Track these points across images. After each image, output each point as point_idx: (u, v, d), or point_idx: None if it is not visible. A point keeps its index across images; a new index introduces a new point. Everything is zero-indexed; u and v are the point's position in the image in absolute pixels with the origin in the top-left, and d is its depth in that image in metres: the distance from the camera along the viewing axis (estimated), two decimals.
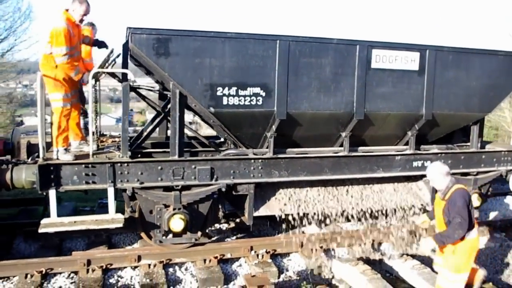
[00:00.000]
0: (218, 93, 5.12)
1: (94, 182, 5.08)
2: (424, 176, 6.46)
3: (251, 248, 5.80)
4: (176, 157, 5.27)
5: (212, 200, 5.55)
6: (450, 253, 4.35)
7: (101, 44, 5.40)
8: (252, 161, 5.57)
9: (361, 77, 5.62)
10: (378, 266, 5.73)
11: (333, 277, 5.51)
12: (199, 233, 5.67)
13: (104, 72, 5.47)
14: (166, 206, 5.38)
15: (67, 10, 4.79)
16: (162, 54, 4.87)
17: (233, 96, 5.18)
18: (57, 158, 5.03)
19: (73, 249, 5.89)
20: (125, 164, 5.14)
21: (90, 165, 5.03)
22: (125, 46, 5.15)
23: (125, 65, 5.42)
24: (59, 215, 4.97)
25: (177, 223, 5.26)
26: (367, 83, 5.68)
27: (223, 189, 5.45)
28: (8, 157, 5.66)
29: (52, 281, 5.09)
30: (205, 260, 5.52)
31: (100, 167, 5.08)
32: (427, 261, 5.59)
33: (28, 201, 7.32)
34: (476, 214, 6.78)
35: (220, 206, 5.79)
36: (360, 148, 6.17)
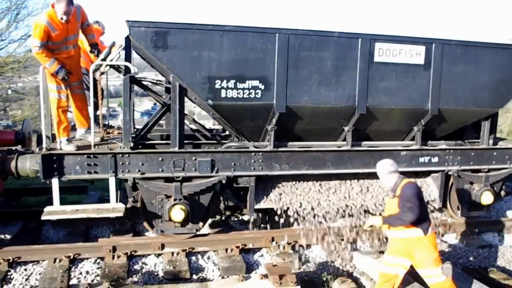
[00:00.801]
0: (217, 86, 5.17)
1: (96, 172, 5.23)
2: (432, 172, 6.38)
3: (273, 239, 5.87)
4: (176, 149, 5.37)
5: (213, 192, 5.61)
6: (425, 252, 4.18)
7: (92, 48, 5.52)
8: (253, 154, 5.60)
9: (363, 71, 5.55)
10: None
11: (354, 269, 5.49)
12: (201, 224, 5.75)
13: (108, 65, 5.59)
14: (168, 197, 5.48)
15: (53, 6, 4.94)
16: (160, 47, 4.95)
17: (232, 89, 5.21)
18: (60, 149, 5.20)
19: (99, 236, 6.18)
20: (126, 155, 5.27)
21: (92, 156, 5.18)
22: (128, 39, 5.29)
23: (128, 58, 5.57)
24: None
25: (178, 214, 5.36)
26: (370, 77, 5.60)
27: (224, 181, 5.51)
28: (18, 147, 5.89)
29: (80, 265, 5.31)
30: (226, 250, 5.65)
31: (102, 157, 5.22)
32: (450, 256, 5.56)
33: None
34: (488, 211, 6.63)
35: (221, 198, 5.85)
36: (365, 142, 6.09)
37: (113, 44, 5.45)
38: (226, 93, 5.21)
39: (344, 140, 5.95)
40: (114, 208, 5.23)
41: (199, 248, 5.71)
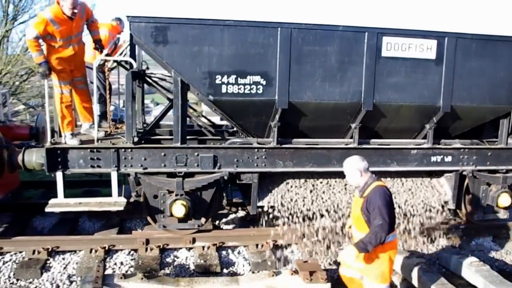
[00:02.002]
0: (217, 81, 5.13)
1: (99, 166, 5.31)
2: (445, 172, 6.13)
3: (304, 236, 5.80)
4: (178, 144, 5.37)
5: (215, 188, 5.59)
6: (374, 261, 3.85)
7: (96, 44, 5.60)
8: (256, 150, 5.54)
9: (370, 66, 5.37)
10: (434, 261, 5.55)
11: None
12: (203, 220, 5.74)
13: (114, 61, 5.67)
14: (170, 192, 5.50)
15: (58, 3, 5.02)
16: (160, 42, 4.96)
17: (232, 84, 5.16)
18: (65, 143, 5.31)
19: (133, 228, 6.36)
20: (129, 150, 5.32)
21: (95, 150, 5.27)
22: (131, 35, 5.33)
23: (132, 54, 5.62)
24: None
25: (179, 209, 5.37)
26: (377, 73, 5.41)
27: (226, 177, 5.48)
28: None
29: (114, 256, 5.46)
30: (257, 245, 5.66)
31: (105, 152, 5.29)
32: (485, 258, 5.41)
33: (92, 182, 7.87)
34: (505, 214, 6.31)
35: (224, 194, 5.82)
36: (373, 140, 5.90)
37: (118, 41, 5.50)
38: (227, 89, 5.17)
39: (352, 137, 5.79)
40: (115, 202, 5.30)
41: (230, 243, 5.75)
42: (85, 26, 5.40)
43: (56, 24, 4.96)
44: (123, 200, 5.32)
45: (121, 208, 5.23)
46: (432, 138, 5.88)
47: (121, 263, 5.32)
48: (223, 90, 5.16)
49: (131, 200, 5.55)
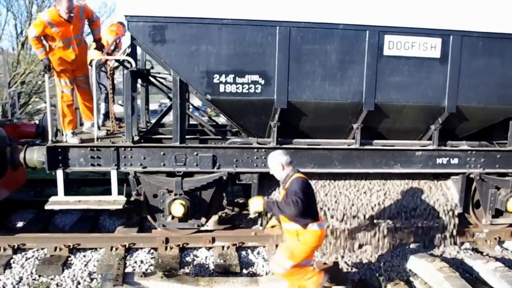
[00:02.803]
0: (215, 81, 5.10)
1: (99, 165, 5.36)
2: (451, 174, 5.97)
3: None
4: (177, 143, 5.37)
5: (215, 188, 5.56)
6: (291, 238, 4.05)
7: (97, 43, 5.67)
8: (255, 150, 5.50)
9: (371, 65, 5.27)
10: (458, 266, 5.39)
11: (408, 271, 5.28)
12: (203, 219, 5.72)
13: (116, 60, 5.72)
14: (169, 191, 5.50)
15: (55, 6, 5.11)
16: (158, 41, 4.97)
17: (230, 83, 5.13)
18: (66, 141, 5.38)
19: (153, 227, 6.20)
20: (129, 149, 5.35)
21: (95, 149, 5.32)
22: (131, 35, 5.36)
23: (133, 53, 5.66)
24: None
25: (178, 209, 5.36)
26: (379, 72, 5.30)
27: (225, 177, 5.45)
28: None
29: (134, 255, 5.49)
30: (277, 246, 5.53)
31: (105, 150, 5.34)
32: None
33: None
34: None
35: (224, 194, 5.78)
36: (377, 141, 5.78)
37: (118, 39, 5.55)
38: (225, 88, 5.14)
39: (354, 138, 5.69)
40: (115, 200, 5.33)
41: (249, 243, 5.71)
42: (86, 26, 5.47)
43: (54, 26, 5.06)
44: (122, 198, 5.35)
45: (120, 207, 5.25)
46: (438, 139, 5.73)
47: (141, 262, 5.34)
48: (221, 89, 5.13)
49: (132, 199, 5.56)
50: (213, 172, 5.43)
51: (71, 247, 5.40)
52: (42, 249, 5.44)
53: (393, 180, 5.93)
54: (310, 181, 4.22)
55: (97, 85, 6.71)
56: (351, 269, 5.29)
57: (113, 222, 6.54)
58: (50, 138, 5.27)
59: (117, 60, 5.66)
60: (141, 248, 5.59)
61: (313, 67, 5.21)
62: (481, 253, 5.83)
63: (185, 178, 5.44)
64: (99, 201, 5.34)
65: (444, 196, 5.90)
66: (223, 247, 5.56)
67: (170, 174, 5.47)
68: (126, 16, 4.97)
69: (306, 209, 3.90)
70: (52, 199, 5.28)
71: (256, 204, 4.01)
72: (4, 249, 5.26)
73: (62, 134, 5.60)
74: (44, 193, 7.70)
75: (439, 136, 5.77)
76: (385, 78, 5.34)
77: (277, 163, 4.12)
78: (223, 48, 5.04)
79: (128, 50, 5.82)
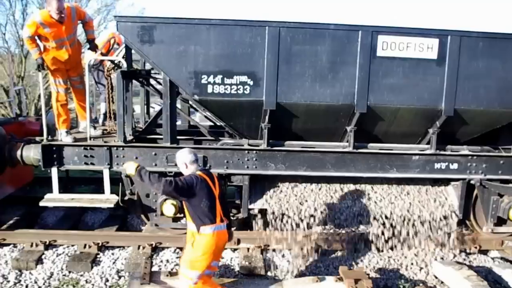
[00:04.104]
0: (203, 81, 5.10)
1: (92, 164, 5.46)
2: (451, 180, 5.77)
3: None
4: (168, 144, 5.41)
5: None
6: (189, 246, 4.02)
7: (90, 43, 5.77)
8: (246, 152, 5.46)
9: (364, 66, 5.15)
10: (486, 275, 5.23)
11: (434, 278, 5.18)
12: None
13: (110, 60, 5.82)
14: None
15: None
16: (146, 41, 5.00)
17: (219, 84, 5.11)
18: (60, 140, 5.52)
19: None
20: (121, 148, 5.43)
21: (89, 148, 5.42)
22: None
23: (128, 54, 5.74)
24: None
25: (169, 209, 5.39)
26: (372, 73, 5.17)
27: None
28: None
29: (161, 254, 5.54)
30: (302, 249, 5.51)
31: (98, 149, 5.43)
32: None
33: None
34: None
35: None
36: (373, 144, 5.64)
37: (113, 40, 5.64)
38: (213, 89, 5.13)
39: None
40: (107, 199, 5.42)
41: (274, 246, 5.61)
42: (79, 27, 5.59)
43: (46, 27, 5.19)
44: (114, 197, 5.44)
45: (112, 206, 5.33)
46: (436, 143, 5.53)
47: (167, 261, 5.36)
48: (209, 90, 5.13)
49: (126, 198, 5.64)
50: None
51: (100, 244, 5.48)
52: (72, 245, 5.54)
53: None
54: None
55: (96, 85, 6.88)
56: (375, 274, 5.18)
57: (141, 221, 6.38)
58: (45, 136, 5.42)
59: (111, 61, 5.76)
60: (168, 248, 5.60)
61: (303, 68, 5.13)
62: (511, 262, 5.58)
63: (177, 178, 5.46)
64: (91, 199, 5.44)
65: (440, 202, 5.71)
66: (248, 249, 5.49)
67: (162, 174, 5.50)
68: (115, 16, 5.04)
69: (176, 196, 3.95)
70: (48, 196, 5.42)
71: (130, 167, 3.96)
72: (36, 245, 5.37)
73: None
74: (75, 191, 7.40)
75: (439, 140, 5.58)
76: (378, 79, 5.20)
77: (181, 162, 4.11)
78: (211, 49, 5.03)
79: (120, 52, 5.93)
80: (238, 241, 5.55)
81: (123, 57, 5.50)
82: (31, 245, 5.37)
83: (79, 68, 5.71)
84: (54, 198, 5.39)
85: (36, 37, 5.30)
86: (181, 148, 5.34)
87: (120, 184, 5.68)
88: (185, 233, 5.59)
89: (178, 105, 7.88)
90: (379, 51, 5.15)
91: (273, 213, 5.49)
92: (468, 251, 5.71)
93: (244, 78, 5.13)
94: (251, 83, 5.14)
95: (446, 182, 5.85)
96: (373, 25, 5.11)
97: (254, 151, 5.45)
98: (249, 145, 5.57)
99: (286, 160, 5.47)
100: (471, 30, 5.20)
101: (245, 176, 5.51)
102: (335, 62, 5.14)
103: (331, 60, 5.13)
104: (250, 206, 5.58)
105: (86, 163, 5.44)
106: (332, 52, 5.11)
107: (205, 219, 3.94)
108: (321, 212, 5.54)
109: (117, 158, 5.43)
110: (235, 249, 5.60)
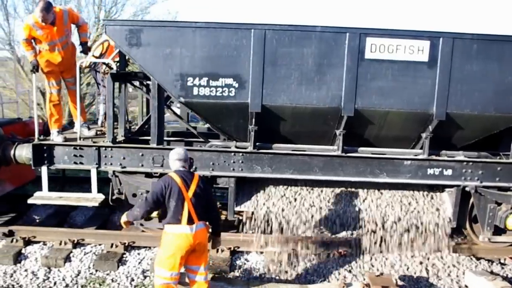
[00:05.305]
0: (189, 83, 5.11)
1: (81, 163, 5.55)
2: (445, 186, 5.59)
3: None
4: (155, 145, 5.44)
5: None
6: (160, 244, 4.09)
7: (82, 46, 5.88)
8: (233, 154, 5.44)
9: (351, 69, 5.04)
10: None
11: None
12: None
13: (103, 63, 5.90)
14: (147, 191, 5.58)
15: None
16: (134, 44, 5.05)
17: (204, 86, 5.11)
18: (52, 140, 5.63)
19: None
20: (109, 149, 5.50)
21: (78, 147, 5.51)
22: None
23: (122, 56, 5.81)
24: None
25: None
26: (359, 76, 5.07)
27: None
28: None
29: None
30: (328, 254, 5.48)
31: (88, 149, 5.52)
32: None
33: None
34: None
35: None
36: (363, 148, 5.53)
37: (103, 42, 5.72)
38: (199, 91, 5.13)
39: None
40: (93, 198, 5.51)
41: (300, 250, 5.51)
42: (72, 30, 5.70)
43: (39, 29, 5.33)
44: (100, 196, 5.52)
45: (97, 204, 5.41)
46: (429, 148, 5.37)
47: None
48: (195, 92, 5.13)
49: (114, 197, 5.70)
50: None
51: (126, 244, 5.55)
52: (100, 244, 5.62)
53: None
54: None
55: (97, 86, 6.99)
56: (401, 281, 5.09)
57: None
58: (36, 136, 5.53)
59: (105, 63, 5.84)
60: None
61: (289, 70, 5.08)
62: None
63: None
64: (78, 198, 5.53)
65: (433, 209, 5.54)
66: (274, 252, 5.41)
67: (149, 175, 5.55)
68: (103, 20, 5.12)
69: (156, 208, 4.06)
70: (37, 194, 5.55)
71: (122, 218, 4.22)
72: (65, 243, 5.49)
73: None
74: (104, 190, 7.78)
75: (434, 145, 5.43)
76: (366, 82, 5.09)
77: (171, 159, 4.24)
78: (197, 51, 5.05)
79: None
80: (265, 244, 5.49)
81: (113, 60, 5.56)
82: (60, 243, 5.49)
83: (73, 70, 5.82)
84: (43, 196, 5.52)
85: (32, 40, 5.43)
86: (168, 149, 5.43)
87: (111, 184, 5.75)
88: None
89: (177, 108, 8.01)
90: (367, 53, 5.04)
91: (259, 215, 5.44)
92: (502, 261, 5.53)
93: (229, 81, 5.11)
94: (237, 85, 5.11)
95: (441, 188, 5.67)
96: (361, 27, 5.01)
97: (241, 154, 5.42)
98: (236, 147, 5.54)
99: (273, 163, 5.42)
100: (465, 32, 5.02)
101: (231, 179, 5.48)
102: (321, 65, 5.06)
103: (317, 63, 5.05)
104: (237, 209, 5.56)
105: (75, 163, 5.54)
106: (318, 55, 5.04)
107: (171, 218, 3.99)
108: (312, 216, 5.47)
109: (105, 158, 5.51)
110: (261, 252, 5.50)
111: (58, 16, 5.37)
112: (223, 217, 6.23)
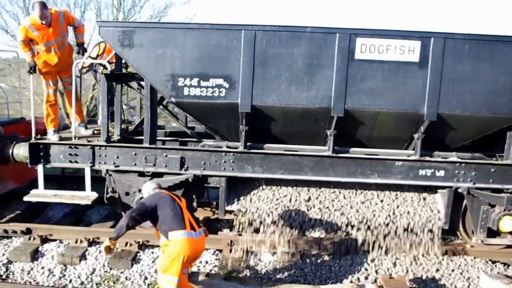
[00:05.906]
0: (180, 84, 5.17)
1: (76, 162, 5.65)
2: (437, 187, 5.56)
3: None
4: (147, 144, 5.51)
5: (183, 189, 5.61)
6: (161, 254, 4.13)
7: (79, 47, 5.99)
8: (224, 154, 5.48)
9: (341, 69, 5.04)
10: None
11: None
12: None
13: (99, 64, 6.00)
14: (140, 190, 5.65)
15: None
16: (127, 45, 5.12)
17: (195, 87, 5.16)
18: (49, 139, 5.74)
19: (218, 229, 6.49)
20: (103, 148, 5.58)
21: (73, 146, 5.61)
22: None
23: (118, 57, 5.90)
24: None
25: None
26: (349, 76, 5.06)
27: (190, 180, 5.49)
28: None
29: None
30: (340, 255, 5.49)
31: (82, 148, 5.62)
32: None
33: None
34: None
35: (194, 196, 5.81)
36: (355, 149, 5.52)
37: (99, 43, 5.82)
38: (189, 91, 5.19)
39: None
40: (87, 196, 5.60)
41: (313, 251, 5.58)
42: (69, 31, 5.81)
43: (35, 30, 5.45)
44: (94, 194, 5.61)
45: (89, 202, 5.50)
46: (420, 149, 5.34)
47: (206, 262, 5.44)
48: (185, 92, 5.19)
49: (108, 195, 5.78)
50: (180, 174, 5.49)
51: (140, 243, 5.62)
52: None
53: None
54: None
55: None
56: (414, 283, 5.06)
57: None
58: (33, 135, 5.65)
59: (100, 64, 5.94)
60: (207, 249, 5.50)
61: (279, 71, 5.10)
62: None
63: (154, 178, 5.55)
64: (72, 196, 5.63)
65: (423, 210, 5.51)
66: (287, 252, 5.44)
67: (142, 174, 5.62)
68: (97, 21, 5.20)
69: (141, 219, 4.09)
70: (33, 191, 5.66)
71: (105, 243, 4.09)
72: (81, 241, 5.58)
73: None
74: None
75: (427, 146, 5.40)
76: (356, 83, 5.09)
77: (145, 192, 4.46)
78: (188, 52, 5.10)
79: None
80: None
81: (108, 61, 5.65)
82: (76, 242, 5.58)
83: (70, 70, 5.94)
84: (38, 194, 5.63)
85: (29, 42, 5.55)
86: (161, 149, 5.51)
87: (106, 182, 5.84)
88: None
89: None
90: (357, 53, 5.04)
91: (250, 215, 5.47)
92: None
93: (220, 81, 5.15)
94: (227, 85, 5.16)
95: (434, 189, 5.64)
96: (351, 28, 5.00)
97: (232, 153, 5.46)
98: (228, 147, 5.58)
99: (264, 163, 5.45)
100: (456, 32, 4.98)
101: (222, 178, 5.52)
102: (311, 65, 5.07)
103: (307, 63, 5.07)
104: (227, 208, 5.59)
105: (70, 161, 5.64)
106: (308, 55, 5.05)
107: (172, 225, 4.01)
108: (302, 216, 5.49)
109: (99, 157, 5.60)
110: (274, 253, 5.52)
111: (53, 18, 5.49)
112: (214, 216, 6.28)
